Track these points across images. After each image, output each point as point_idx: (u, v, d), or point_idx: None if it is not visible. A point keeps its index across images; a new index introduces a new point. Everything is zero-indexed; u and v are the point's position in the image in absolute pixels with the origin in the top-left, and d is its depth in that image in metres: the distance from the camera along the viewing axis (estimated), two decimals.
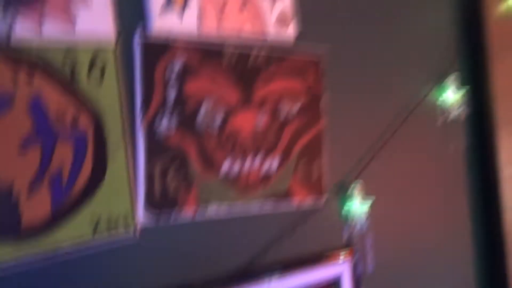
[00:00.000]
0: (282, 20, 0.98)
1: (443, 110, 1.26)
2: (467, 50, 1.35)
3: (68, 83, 0.72)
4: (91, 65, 0.74)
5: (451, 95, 1.26)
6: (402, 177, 1.20)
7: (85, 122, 0.74)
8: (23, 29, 0.68)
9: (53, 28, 0.71)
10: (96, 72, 0.75)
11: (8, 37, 0.67)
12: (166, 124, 0.82)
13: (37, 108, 0.69)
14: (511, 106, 1.26)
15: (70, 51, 0.72)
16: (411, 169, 1.22)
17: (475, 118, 1.34)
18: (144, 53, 0.80)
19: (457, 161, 1.32)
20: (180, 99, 0.84)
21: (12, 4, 0.67)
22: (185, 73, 0.84)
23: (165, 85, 0.82)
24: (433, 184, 1.27)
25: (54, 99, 0.70)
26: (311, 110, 1.00)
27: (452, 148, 1.28)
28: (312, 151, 1.00)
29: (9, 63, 0.67)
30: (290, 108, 0.97)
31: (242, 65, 0.91)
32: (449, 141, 1.28)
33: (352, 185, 1.06)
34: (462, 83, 1.29)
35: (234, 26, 0.91)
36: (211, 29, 0.88)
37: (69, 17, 0.73)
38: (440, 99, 1.26)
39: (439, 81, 1.26)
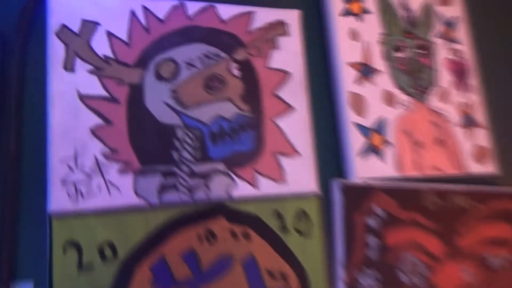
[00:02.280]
0: (479, 156, 0.91)
1: None
2: None
3: (277, 238, 0.73)
4: (298, 217, 0.75)
5: None
6: None
7: (291, 276, 0.73)
8: (239, 189, 0.72)
9: (265, 186, 0.74)
10: (301, 224, 0.75)
11: (229, 197, 0.71)
12: (367, 281, 0.78)
13: (251, 267, 0.70)
14: None
15: (278, 205, 0.74)
16: None
17: None
18: (345, 199, 0.79)
19: None
20: (382, 251, 0.79)
21: (231, 167, 0.73)
22: (385, 220, 0.80)
23: (366, 234, 0.78)
24: None
25: (265, 256, 0.71)
26: None
27: None
28: None
29: (229, 224, 0.71)
30: (498, 257, 0.86)
31: (442, 207, 0.85)
32: None
33: None
34: None
35: (431, 164, 0.86)
36: (409, 170, 0.84)
37: (279, 174, 0.76)
38: None
39: None
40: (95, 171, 0.64)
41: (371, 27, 0.88)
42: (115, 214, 0.64)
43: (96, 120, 0.66)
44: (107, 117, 0.67)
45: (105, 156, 0.65)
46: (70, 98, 0.65)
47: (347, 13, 0.86)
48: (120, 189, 0.65)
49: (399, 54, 0.89)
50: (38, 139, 0.64)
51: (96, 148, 0.65)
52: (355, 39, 0.86)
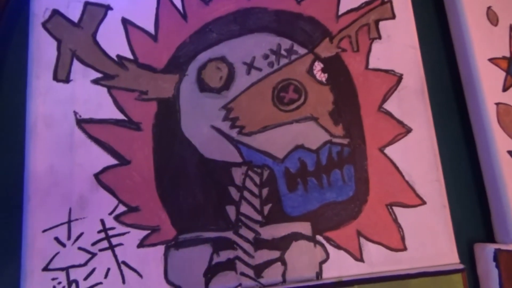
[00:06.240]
0: None
1: None
2: None
3: None
4: None
5: None
6: None
7: None
8: (335, 265, 0.45)
9: (375, 257, 0.46)
10: None
11: (319, 278, 0.44)
12: None
13: None
14: None
15: None
16: None
17: None
18: (503, 275, 0.50)
19: None
20: None
21: (321, 228, 0.45)
22: None
23: None
24: None
25: None
26: None
27: None
28: None
29: None
30: None
31: None
32: None
33: None
34: None
35: None
36: None
37: (396, 236, 0.47)
38: None
39: None
40: (100, 246, 0.40)
41: None
42: None
43: (104, 160, 0.41)
44: (122, 155, 0.42)
45: (119, 220, 0.41)
46: (62, 127, 0.41)
47: None
48: (142, 275, 0.40)
49: None
50: (10, 197, 0.40)
51: (103, 206, 0.40)
52: (495, 22, 0.57)
